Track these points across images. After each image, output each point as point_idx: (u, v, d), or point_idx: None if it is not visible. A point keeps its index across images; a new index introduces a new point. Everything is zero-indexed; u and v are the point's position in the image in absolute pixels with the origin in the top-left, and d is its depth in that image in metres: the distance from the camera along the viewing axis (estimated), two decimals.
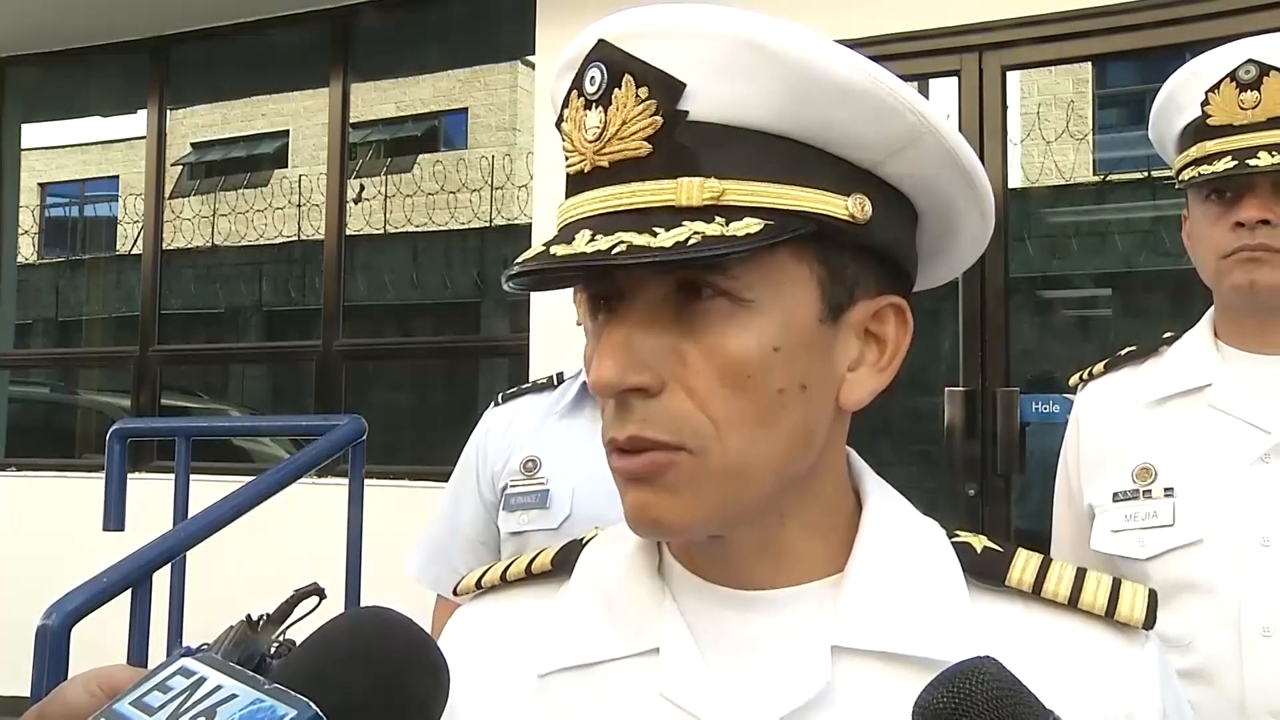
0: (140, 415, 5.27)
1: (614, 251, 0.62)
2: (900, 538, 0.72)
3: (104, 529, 2.63)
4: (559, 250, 0.64)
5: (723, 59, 0.64)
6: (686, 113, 0.64)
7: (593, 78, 0.66)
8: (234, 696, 0.52)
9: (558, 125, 0.70)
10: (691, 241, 0.61)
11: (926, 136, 0.68)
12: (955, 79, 3.67)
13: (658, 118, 0.64)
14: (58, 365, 7.20)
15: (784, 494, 0.69)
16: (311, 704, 0.51)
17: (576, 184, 0.68)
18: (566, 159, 0.69)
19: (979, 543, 0.73)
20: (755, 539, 0.70)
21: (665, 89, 0.64)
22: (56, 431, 6.84)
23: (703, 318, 0.65)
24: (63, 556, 3.25)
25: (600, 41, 0.67)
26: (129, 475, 2.71)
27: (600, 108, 0.66)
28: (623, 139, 0.65)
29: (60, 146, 10.18)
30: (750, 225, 0.63)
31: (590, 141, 0.66)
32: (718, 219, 0.63)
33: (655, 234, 0.62)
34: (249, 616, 0.59)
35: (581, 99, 0.67)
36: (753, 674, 0.68)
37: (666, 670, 0.69)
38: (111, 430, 2.75)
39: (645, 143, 0.64)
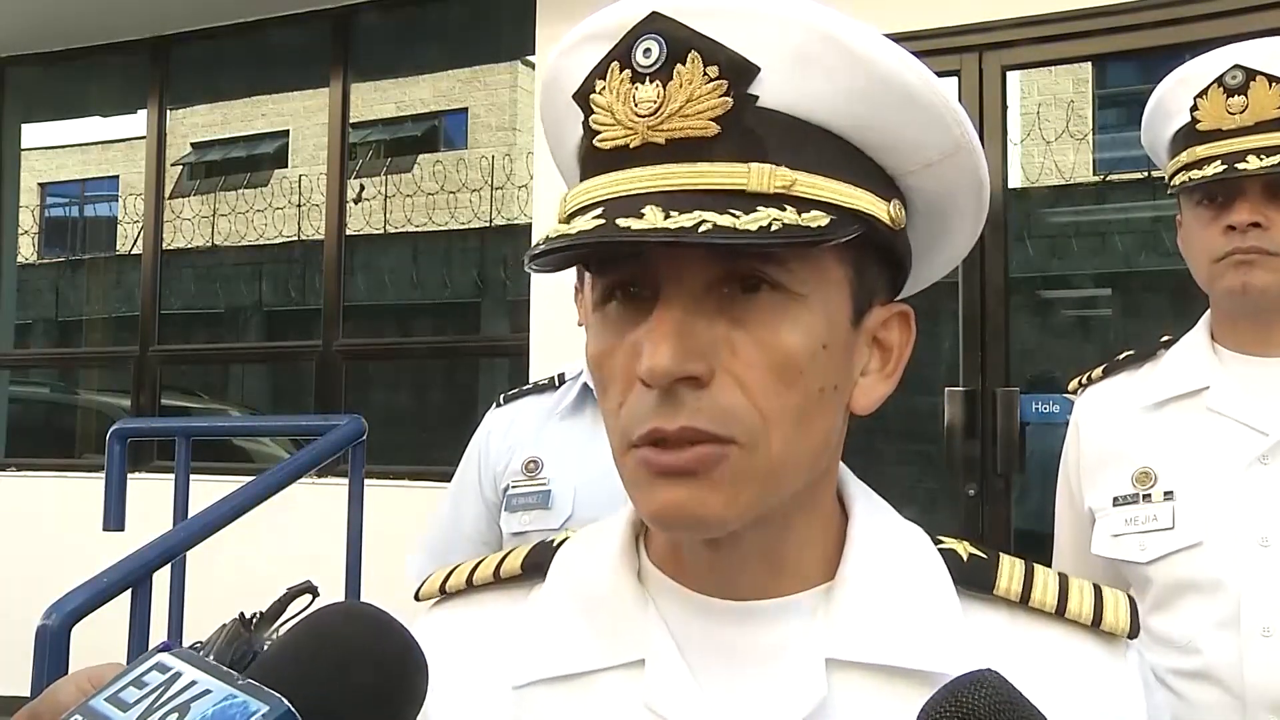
0: (140, 415, 5.26)
1: (701, 229, 0.58)
2: (890, 546, 0.70)
3: (104, 529, 2.64)
4: (632, 224, 0.59)
5: (795, 48, 0.63)
6: (756, 97, 0.62)
7: (648, 50, 0.63)
8: (207, 692, 0.52)
9: (579, 96, 0.66)
10: (775, 228, 0.59)
11: (962, 153, 0.67)
12: (955, 79, 3.66)
13: (728, 99, 0.62)
14: (58, 365, 7.20)
15: (793, 500, 0.67)
16: (284, 700, 0.51)
17: (614, 159, 0.64)
18: (597, 133, 0.65)
19: (964, 550, 0.72)
20: (759, 547, 0.67)
21: (737, 71, 0.62)
22: (56, 431, 6.83)
23: (756, 310, 0.63)
24: (63, 556, 3.25)
25: (654, 14, 0.63)
26: (129, 475, 2.71)
27: (657, 82, 0.62)
28: (685, 116, 0.62)
29: (60, 146, 10.19)
30: (819, 218, 0.61)
31: (642, 116, 0.62)
32: (789, 208, 0.61)
33: (737, 216, 0.59)
34: (242, 615, 0.58)
35: (627, 71, 0.63)
36: (745, 688, 0.66)
37: (653, 682, 0.66)
38: (111, 430, 2.75)
39: (713, 123, 0.62)
